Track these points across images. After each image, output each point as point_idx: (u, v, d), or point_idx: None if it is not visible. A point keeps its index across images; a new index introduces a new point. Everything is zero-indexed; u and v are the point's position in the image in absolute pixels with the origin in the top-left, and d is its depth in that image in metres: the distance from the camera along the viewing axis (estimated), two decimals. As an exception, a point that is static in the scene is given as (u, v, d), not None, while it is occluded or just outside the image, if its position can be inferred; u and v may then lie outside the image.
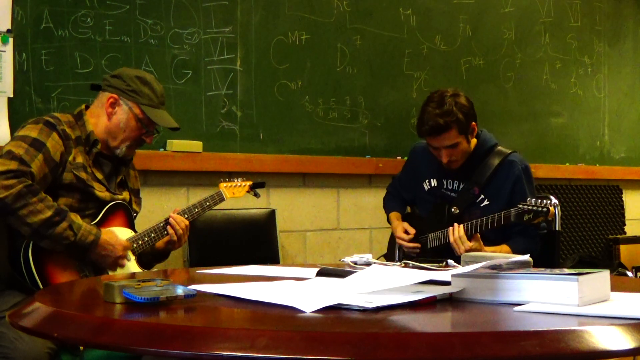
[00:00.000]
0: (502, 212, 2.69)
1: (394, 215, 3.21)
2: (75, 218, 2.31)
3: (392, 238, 3.22)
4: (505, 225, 2.73)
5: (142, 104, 2.47)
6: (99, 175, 2.46)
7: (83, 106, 2.52)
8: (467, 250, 2.71)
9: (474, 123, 2.88)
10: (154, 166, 3.26)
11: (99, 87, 2.53)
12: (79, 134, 2.43)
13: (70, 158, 2.37)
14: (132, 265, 2.47)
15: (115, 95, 2.47)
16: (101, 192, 2.44)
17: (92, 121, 2.47)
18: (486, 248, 2.78)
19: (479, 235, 2.77)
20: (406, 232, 3.08)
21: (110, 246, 2.37)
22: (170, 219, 2.56)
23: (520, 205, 2.64)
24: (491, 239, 2.85)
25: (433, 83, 4.23)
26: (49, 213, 2.24)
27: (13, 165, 2.22)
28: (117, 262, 2.39)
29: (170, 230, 2.55)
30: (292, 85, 3.74)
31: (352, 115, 3.96)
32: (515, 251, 2.81)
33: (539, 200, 2.61)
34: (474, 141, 2.95)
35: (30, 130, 2.33)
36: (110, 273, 2.40)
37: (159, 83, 2.56)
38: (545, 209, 2.59)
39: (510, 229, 2.84)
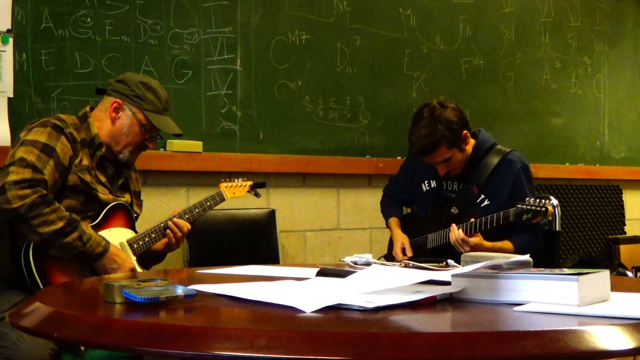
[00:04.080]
0: (501, 212, 2.69)
1: (394, 221, 3.19)
2: (87, 228, 2.32)
3: (392, 239, 3.21)
4: (504, 225, 2.73)
5: (145, 109, 2.47)
6: (102, 178, 2.47)
7: (88, 108, 2.52)
8: (469, 246, 2.71)
9: (465, 132, 2.87)
10: (154, 166, 3.26)
11: (104, 91, 2.54)
12: (84, 136, 2.44)
13: (77, 161, 2.38)
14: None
15: (119, 100, 2.47)
16: (104, 194, 2.44)
17: (97, 124, 2.47)
18: (488, 243, 2.78)
19: (479, 233, 2.77)
20: (404, 251, 3.04)
21: (119, 260, 2.37)
22: (170, 224, 2.56)
23: (519, 205, 2.64)
24: (491, 238, 2.84)
25: (433, 83, 4.24)
26: (60, 224, 2.24)
27: (27, 173, 2.22)
28: None
29: (169, 234, 2.55)
30: (292, 85, 3.74)
31: (352, 115, 3.96)
32: (518, 247, 2.82)
33: (538, 200, 2.62)
34: (472, 142, 2.95)
35: (39, 135, 2.32)
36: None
37: (164, 89, 2.57)
38: (543, 209, 2.59)
39: (511, 227, 2.83)
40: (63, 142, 2.35)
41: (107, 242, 2.35)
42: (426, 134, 2.79)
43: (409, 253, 3.02)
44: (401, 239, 3.07)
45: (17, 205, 2.19)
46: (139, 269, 2.47)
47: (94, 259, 2.33)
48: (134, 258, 2.47)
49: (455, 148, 2.84)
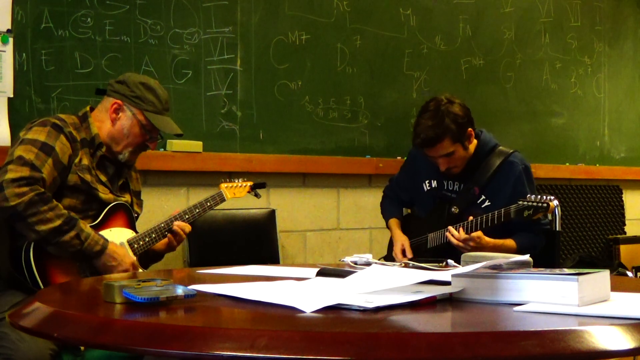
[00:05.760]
0: (502, 209, 2.68)
1: (394, 222, 3.19)
2: (85, 227, 2.32)
3: (392, 240, 3.21)
4: (505, 223, 2.72)
5: (146, 110, 2.47)
6: (103, 178, 2.47)
7: (88, 108, 2.52)
8: (474, 241, 2.70)
9: (470, 129, 2.87)
10: (154, 166, 3.26)
11: (104, 91, 2.54)
12: (84, 136, 2.44)
13: (76, 160, 2.38)
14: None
15: (119, 101, 2.47)
16: (105, 194, 2.45)
17: (97, 124, 2.48)
18: (491, 240, 2.76)
19: (480, 231, 2.76)
20: (404, 252, 3.04)
21: (118, 257, 2.37)
22: (175, 227, 2.56)
23: (520, 202, 2.64)
24: (493, 238, 2.84)
25: (433, 83, 4.23)
26: (58, 222, 2.24)
27: (25, 172, 2.23)
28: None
29: (171, 237, 2.56)
30: (292, 85, 3.74)
31: (352, 115, 3.96)
32: (521, 245, 2.82)
33: (539, 196, 2.61)
34: (474, 142, 2.94)
35: (39, 134, 2.33)
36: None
37: (164, 89, 2.57)
38: (545, 204, 2.58)
39: (513, 226, 2.83)
40: (62, 141, 2.35)
41: (106, 240, 2.36)
42: (432, 125, 2.79)
43: (409, 254, 3.02)
44: (401, 240, 3.08)
45: (14, 203, 2.19)
46: (138, 269, 2.48)
47: (92, 257, 2.33)
48: (134, 258, 2.47)
49: (459, 143, 2.84)
